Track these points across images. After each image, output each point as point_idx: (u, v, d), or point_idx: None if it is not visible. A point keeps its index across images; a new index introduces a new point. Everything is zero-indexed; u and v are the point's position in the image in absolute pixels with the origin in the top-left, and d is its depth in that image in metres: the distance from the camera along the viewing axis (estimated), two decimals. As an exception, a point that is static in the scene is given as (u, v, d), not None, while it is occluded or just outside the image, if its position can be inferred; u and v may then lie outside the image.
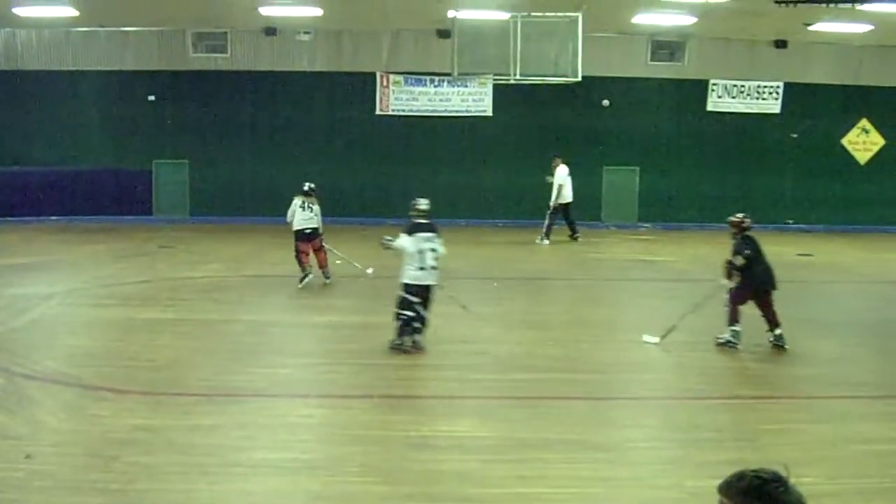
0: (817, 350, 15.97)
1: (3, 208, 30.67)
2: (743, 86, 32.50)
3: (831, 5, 23.95)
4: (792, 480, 3.61)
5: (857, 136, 33.42)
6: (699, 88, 32.44)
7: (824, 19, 27.00)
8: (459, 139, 31.90)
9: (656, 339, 15.81)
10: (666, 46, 31.84)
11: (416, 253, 14.96)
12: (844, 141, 33.43)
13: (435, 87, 30.98)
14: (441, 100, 31.10)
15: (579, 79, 23.51)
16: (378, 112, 31.33)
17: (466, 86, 30.37)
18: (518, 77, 23.53)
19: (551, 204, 28.65)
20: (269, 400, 12.89)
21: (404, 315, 15.09)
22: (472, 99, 30.97)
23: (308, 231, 20.66)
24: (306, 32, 31.16)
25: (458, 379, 13.83)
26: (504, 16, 23.42)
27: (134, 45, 31.96)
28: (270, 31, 30.84)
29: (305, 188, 21.01)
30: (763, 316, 15.70)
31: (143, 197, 32.30)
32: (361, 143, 31.99)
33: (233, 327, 17.16)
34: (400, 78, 31.18)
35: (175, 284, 20.70)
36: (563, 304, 19.79)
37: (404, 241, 15.01)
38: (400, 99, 31.19)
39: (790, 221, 32.85)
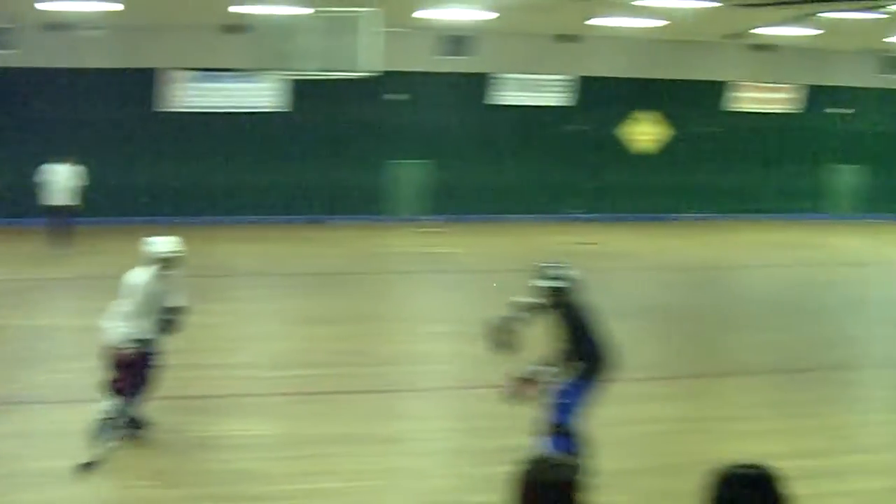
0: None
1: None
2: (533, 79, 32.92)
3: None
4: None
5: (637, 126, 34.16)
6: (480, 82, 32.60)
7: (608, 14, 27.14)
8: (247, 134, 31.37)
9: None
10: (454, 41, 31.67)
11: None
12: (622, 132, 34.12)
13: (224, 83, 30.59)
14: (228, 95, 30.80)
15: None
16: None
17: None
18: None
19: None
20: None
21: None
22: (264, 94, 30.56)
23: None
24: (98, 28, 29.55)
25: (250, 377, 13.88)
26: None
27: None
28: (53, 27, 28.92)
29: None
30: None
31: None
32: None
33: None
34: (190, 74, 30.59)
35: None
36: (349, 298, 19.69)
37: None
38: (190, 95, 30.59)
39: (578, 211, 33.17)
